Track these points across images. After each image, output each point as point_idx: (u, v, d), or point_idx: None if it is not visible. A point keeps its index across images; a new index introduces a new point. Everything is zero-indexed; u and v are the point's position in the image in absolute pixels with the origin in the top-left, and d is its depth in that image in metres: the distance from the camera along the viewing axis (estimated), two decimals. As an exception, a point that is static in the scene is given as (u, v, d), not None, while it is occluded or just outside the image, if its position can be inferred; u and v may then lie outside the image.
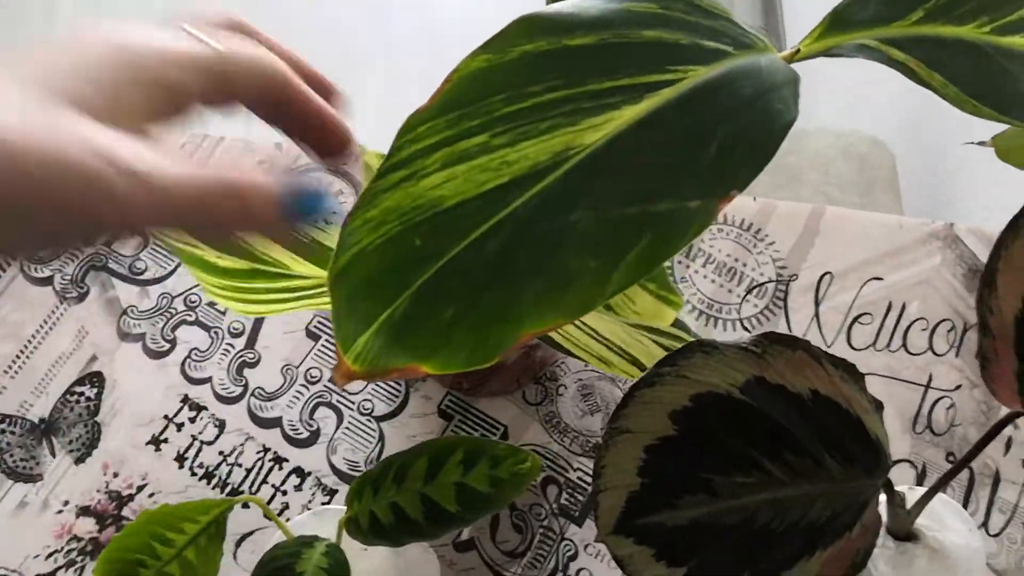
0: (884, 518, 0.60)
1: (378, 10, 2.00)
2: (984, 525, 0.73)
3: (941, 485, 0.55)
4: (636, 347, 0.49)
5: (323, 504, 0.69)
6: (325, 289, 0.46)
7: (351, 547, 0.52)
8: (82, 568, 0.66)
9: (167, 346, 0.74)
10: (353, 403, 0.73)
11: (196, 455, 0.70)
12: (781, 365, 0.48)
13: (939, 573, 0.59)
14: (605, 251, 0.31)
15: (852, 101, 1.61)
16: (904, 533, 0.61)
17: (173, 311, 0.75)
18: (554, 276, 0.31)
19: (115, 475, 0.69)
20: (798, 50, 0.41)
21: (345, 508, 0.57)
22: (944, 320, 0.81)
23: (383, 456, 0.70)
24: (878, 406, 0.51)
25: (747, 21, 0.38)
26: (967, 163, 1.32)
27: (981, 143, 0.59)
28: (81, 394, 0.71)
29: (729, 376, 0.47)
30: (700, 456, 0.47)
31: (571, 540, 0.70)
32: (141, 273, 0.76)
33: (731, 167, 0.33)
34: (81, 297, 0.75)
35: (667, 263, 0.78)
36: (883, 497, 0.60)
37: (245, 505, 0.66)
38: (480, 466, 0.48)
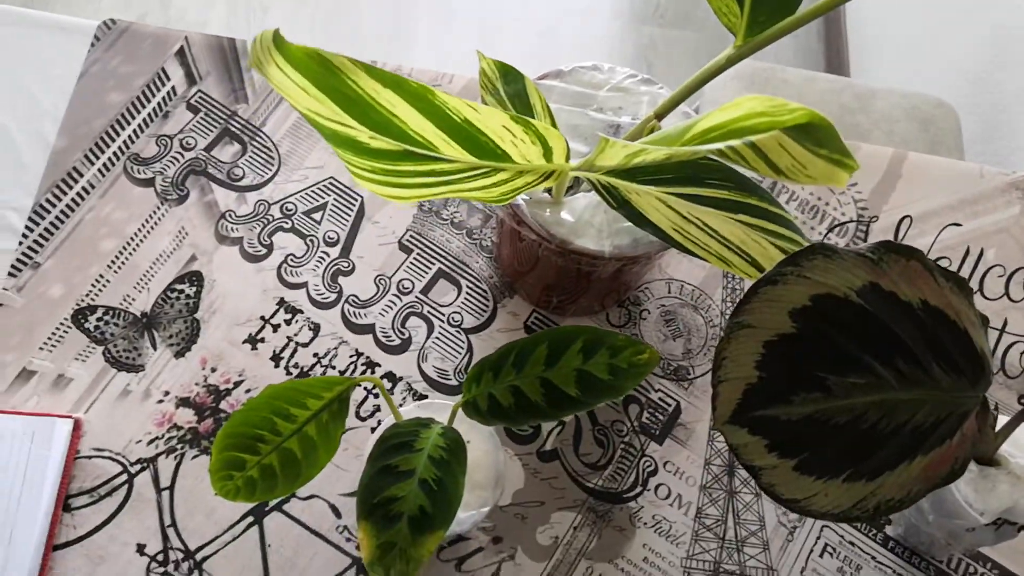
0: (968, 444, 0.62)
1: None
2: (1053, 466, 0.75)
3: (1022, 416, 0.57)
4: (755, 248, 0.51)
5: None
6: (470, 174, 0.47)
7: None
8: (181, 455, 0.68)
9: (264, 251, 0.76)
10: (443, 315, 0.75)
11: (291, 355, 0.72)
12: (896, 273, 0.50)
13: (1021, 497, 0.61)
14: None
15: (917, 62, 1.61)
16: (988, 458, 0.62)
17: (270, 218, 0.77)
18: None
19: (213, 370, 0.71)
20: None
21: (447, 403, 0.59)
22: (1021, 268, 0.82)
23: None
24: (984, 320, 0.52)
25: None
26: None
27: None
28: (181, 291, 0.73)
29: (847, 280, 0.49)
30: (816, 355, 0.49)
31: (651, 456, 0.72)
32: (239, 180, 0.78)
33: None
34: (181, 199, 0.77)
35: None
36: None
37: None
38: (600, 355, 0.50)
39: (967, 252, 0.82)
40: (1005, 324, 0.80)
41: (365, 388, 0.72)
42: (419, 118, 0.44)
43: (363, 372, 0.72)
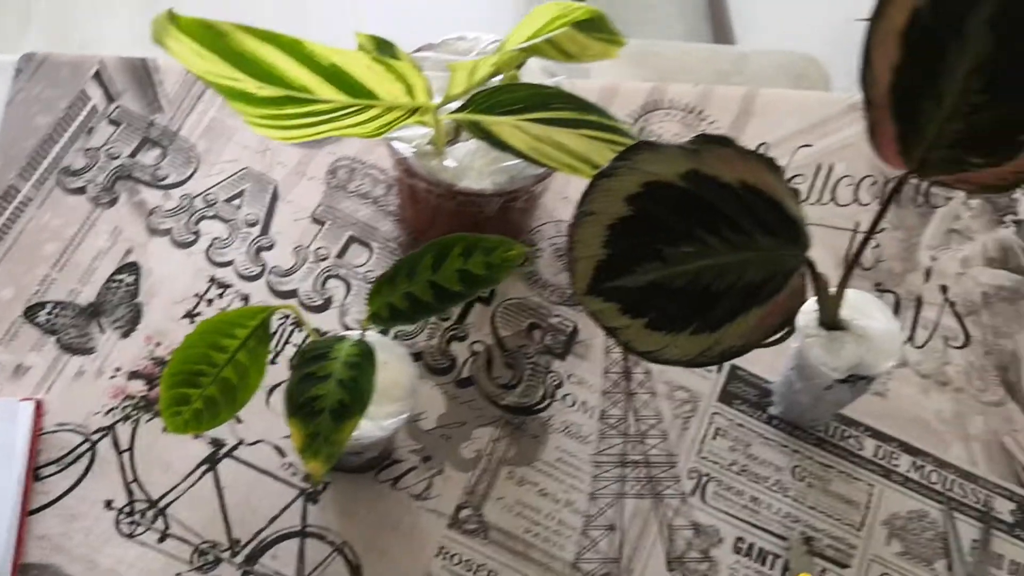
0: (817, 314, 0.72)
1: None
2: (910, 339, 0.85)
3: (847, 276, 0.67)
4: (597, 155, 0.61)
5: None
6: (345, 112, 0.57)
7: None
8: (137, 420, 0.76)
9: (192, 237, 0.84)
10: (359, 274, 0.84)
11: (226, 324, 0.80)
12: (714, 160, 0.60)
13: (865, 353, 0.71)
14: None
15: (794, 24, 1.74)
16: (833, 323, 0.72)
17: (194, 208, 0.85)
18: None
19: (158, 344, 0.79)
20: None
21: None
22: (867, 176, 0.93)
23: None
24: (795, 193, 0.63)
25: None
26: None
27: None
28: (121, 280, 0.82)
29: (672, 168, 0.59)
30: (652, 231, 0.59)
31: (556, 372, 0.81)
32: (163, 179, 0.87)
33: None
34: (112, 202, 0.85)
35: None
36: (814, 299, 0.71)
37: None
38: (476, 255, 0.59)
39: (819, 167, 0.93)
40: (857, 225, 0.91)
41: (295, 345, 0.80)
42: (295, 66, 0.53)
43: (291, 331, 0.81)
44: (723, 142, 0.60)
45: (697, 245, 0.59)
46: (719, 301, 0.60)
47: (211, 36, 0.52)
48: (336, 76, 0.53)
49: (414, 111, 0.60)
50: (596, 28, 0.46)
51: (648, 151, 0.58)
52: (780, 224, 0.61)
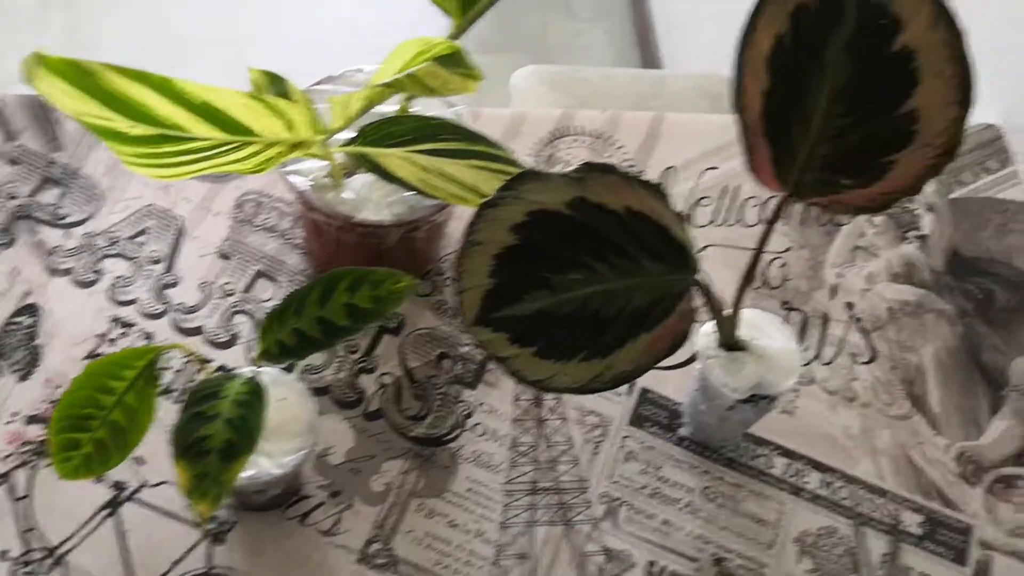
0: (716, 336, 0.73)
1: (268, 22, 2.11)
2: (818, 356, 0.87)
3: (741, 296, 0.68)
4: (485, 185, 0.61)
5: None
6: (222, 149, 0.56)
7: (272, 404, 0.62)
8: (35, 466, 0.75)
9: (94, 276, 0.83)
10: (265, 307, 0.83)
11: (129, 364, 0.79)
12: (599, 187, 0.60)
13: (765, 373, 0.72)
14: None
15: (719, 46, 1.76)
16: (732, 344, 0.73)
17: (96, 247, 0.84)
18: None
19: (57, 387, 0.78)
20: None
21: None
22: (772, 196, 0.94)
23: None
24: (682, 218, 0.63)
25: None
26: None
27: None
28: (20, 323, 0.80)
29: (557, 196, 0.59)
30: (538, 260, 0.59)
31: (467, 401, 0.81)
32: (64, 218, 0.85)
33: None
34: (10, 243, 0.84)
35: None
36: (713, 323, 0.72)
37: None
38: (363, 289, 0.59)
39: (725, 189, 0.94)
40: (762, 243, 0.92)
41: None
42: (167, 104, 0.53)
43: (197, 369, 0.80)
44: (607, 169, 0.60)
45: (584, 272, 0.59)
46: (608, 327, 0.60)
47: (80, 75, 0.51)
48: (209, 113, 0.53)
49: (297, 145, 0.59)
50: (455, 63, 0.46)
51: (533, 180, 0.59)
52: (667, 249, 0.62)
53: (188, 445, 0.57)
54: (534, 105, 1.33)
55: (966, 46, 0.48)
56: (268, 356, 0.60)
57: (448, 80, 0.47)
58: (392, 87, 0.48)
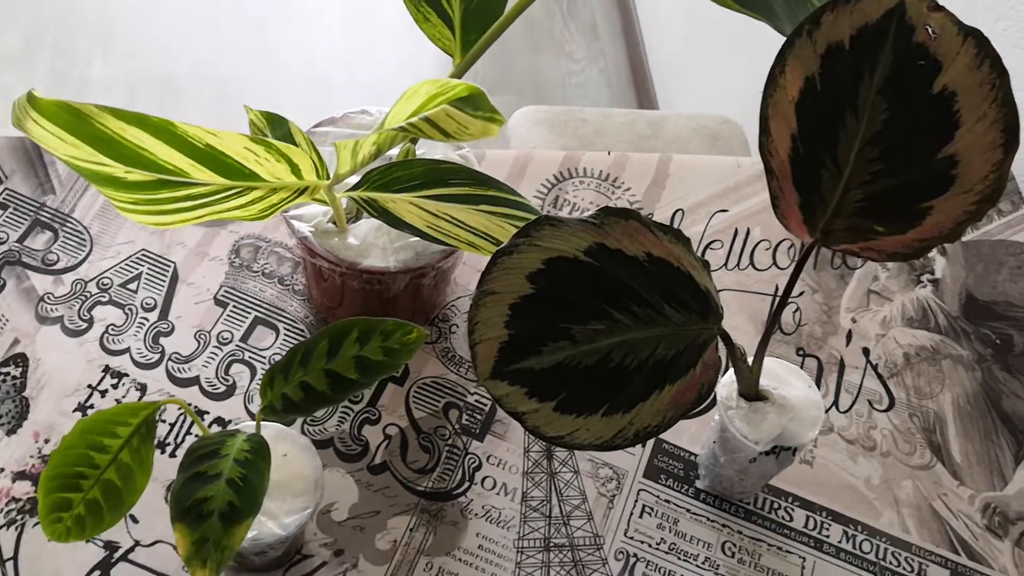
0: (736, 386, 0.70)
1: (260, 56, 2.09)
2: (835, 404, 0.84)
3: (764, 345, 0.65)
4: (497, 230, 0.58)
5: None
6: (224, 195, 0.53)
7: (273, 459, 0.58)
8: (22, 525, 0.71)
9: (84, 324, 0.80)
10: (264, 357, 0.80)
11: (122, 416, 0.76)
12: (618, 233, 0.58)
13: (788, 423, 0.69)
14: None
15: (713, 87, 1.75)
16: (753, 394, 0.70)
17: (88, 294, 0.81)
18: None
19: (47, 441, 0.74)
20: None
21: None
22: (784, 239, 0.92)
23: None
24: (705, 264, 0.61)
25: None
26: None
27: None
28: (7, 374, 0.77)
29: (575, 243, 0.56)
30: (557, 309, 0.56)
31: (475, 454, 0.78)
32: (54, 264, 0.82)
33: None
34: (-1, 291, 0.81)
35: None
36: (732, 371, 0.69)
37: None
38: (373, 340, 0.56)
39: (735, 232, 0.92)
40: (776, 289, 0.89)
41: (196, 435, 0.76)
42: (166, 148, 0.50)
43: (193, 421, 0.76)
44: (627, 215, 0.58)
45: (605, 322, 0.57)
46: (631, 379, 0.57)
47: (72, 119, 0.48)
48: (212, 158, 0.50)
49: (302, 191, 0.57)
50: (475, 106, 0.44)
51: (550, 226, 0.56)
52: (690, 296, 0.59)
53: (187, 508, 0.54)
54: (533, 145, 1.31)
55: (1009, 87, 0.46)
56: (271, 412, 0.57)
57: (467, 123, 0.44)
58: (407, 131, 0.45)
